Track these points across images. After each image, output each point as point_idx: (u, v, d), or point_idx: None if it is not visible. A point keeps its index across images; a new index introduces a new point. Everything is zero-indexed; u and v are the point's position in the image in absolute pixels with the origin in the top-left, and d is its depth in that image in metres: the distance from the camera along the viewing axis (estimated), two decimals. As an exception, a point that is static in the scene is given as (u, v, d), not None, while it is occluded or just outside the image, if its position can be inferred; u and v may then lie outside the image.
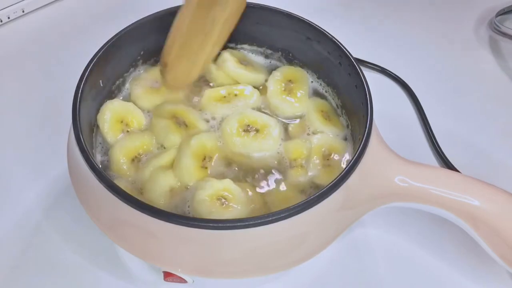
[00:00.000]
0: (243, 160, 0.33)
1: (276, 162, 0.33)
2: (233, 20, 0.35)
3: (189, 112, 0.34)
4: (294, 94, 0.36)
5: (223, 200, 0.30)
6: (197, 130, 0.34)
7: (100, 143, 0.33)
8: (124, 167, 0.32)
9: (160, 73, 0.36)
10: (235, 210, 0.30)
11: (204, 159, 0.32)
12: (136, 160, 0.33)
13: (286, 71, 0.38)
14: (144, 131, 0.34)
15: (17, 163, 0.41)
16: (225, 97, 0.36)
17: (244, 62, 0.38)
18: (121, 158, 0.32)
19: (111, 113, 0.34)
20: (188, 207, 0.30)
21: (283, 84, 0.37)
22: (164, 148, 0.33)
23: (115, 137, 0.33)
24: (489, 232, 0.30)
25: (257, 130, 0.34)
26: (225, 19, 0.34)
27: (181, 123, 0.34)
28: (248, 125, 0.34)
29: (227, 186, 0.31)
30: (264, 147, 0.33)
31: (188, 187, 0.31)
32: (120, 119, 0.34)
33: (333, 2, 0.59)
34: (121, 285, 0.34)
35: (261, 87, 0.38)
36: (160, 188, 0.31)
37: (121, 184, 0.31)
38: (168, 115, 0.34)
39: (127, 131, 0.34)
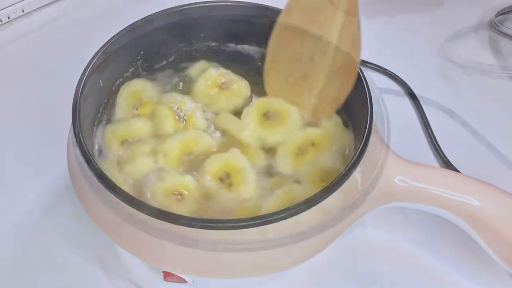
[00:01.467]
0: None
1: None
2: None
3: (191, 108, 0.34)
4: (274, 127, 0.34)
5: (179, 196, 0.30)
6: (193, 127, 0.33)
7: (98, 145, 0.34)
8: (113, 148, 0.32)
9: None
10: (186, 207, 0.30)
11: (189, 154, 0.32)
12: (126, 143, 0.33)
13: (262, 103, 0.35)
14: (143, 116, 0.34)
15: (17, 163, 0.41)
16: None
17: (224, 86, 0.36)
18: (112, 140, 0.33)
19: (132, 89, 0.35)
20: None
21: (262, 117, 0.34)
22: (158, 137, 0.33)
23: (124, 114, 0.34)
24: (489, 232, 0.30)
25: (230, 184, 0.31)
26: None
27: (181, 117, 0.33)
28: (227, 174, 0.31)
29: (187, 183, 0.30)
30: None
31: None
32: (138, 96, 0.35)
33: (333, 2, 0.59)
34: (121, 285, 0.34)
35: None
36: (139, 171, 0.31)
37: (108, 163, 0.32)
38: (171, 106, 0.34)
39: (136, 109, 0.35)
